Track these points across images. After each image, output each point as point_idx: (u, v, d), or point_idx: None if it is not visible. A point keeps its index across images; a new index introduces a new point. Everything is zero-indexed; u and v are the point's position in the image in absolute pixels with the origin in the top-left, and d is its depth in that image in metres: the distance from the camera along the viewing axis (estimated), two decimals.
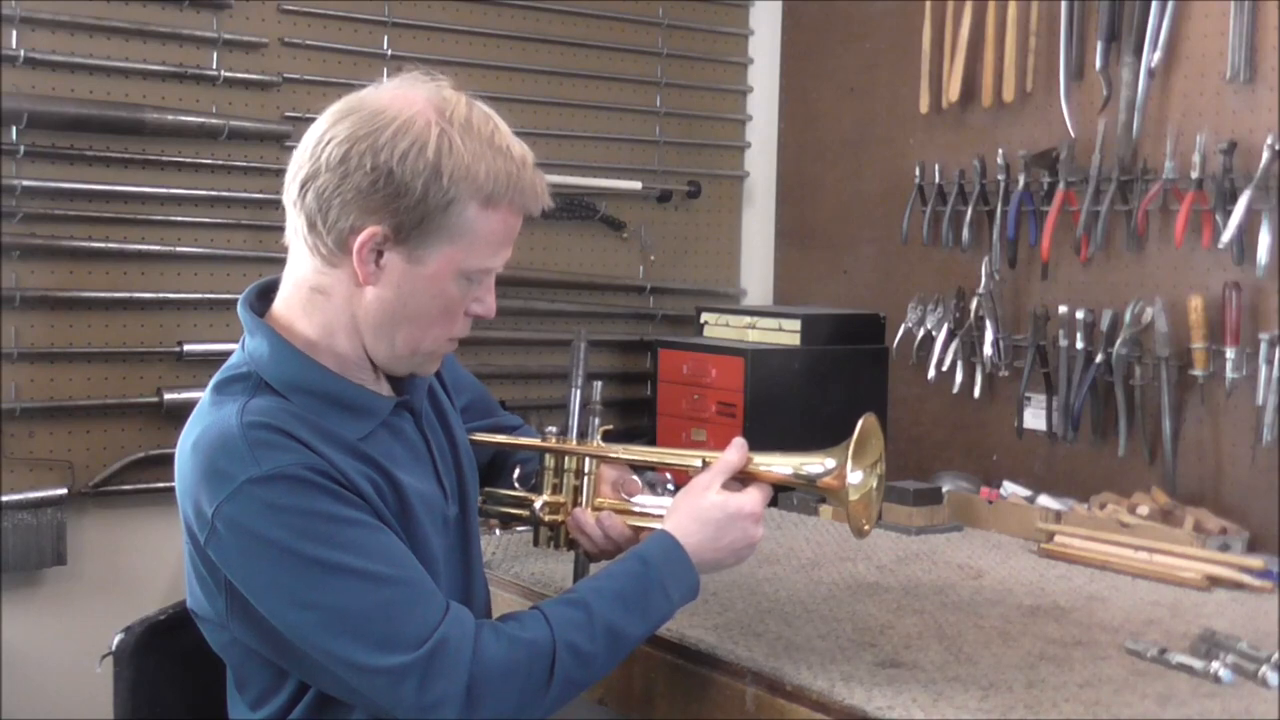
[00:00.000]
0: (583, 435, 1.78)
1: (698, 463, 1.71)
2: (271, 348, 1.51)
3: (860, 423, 1.66)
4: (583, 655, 1.48)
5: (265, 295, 1.58)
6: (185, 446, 1.48)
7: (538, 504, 1.76)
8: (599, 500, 1.76)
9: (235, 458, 1.41)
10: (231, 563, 1.43)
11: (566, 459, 1.77)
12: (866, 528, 1.67)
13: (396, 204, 1.44)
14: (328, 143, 1.46)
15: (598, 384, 1.78)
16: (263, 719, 1.55)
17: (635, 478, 1.80)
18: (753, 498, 1.63)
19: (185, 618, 1.61)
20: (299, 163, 1.50)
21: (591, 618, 1.50)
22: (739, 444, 1.67)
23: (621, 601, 1.53)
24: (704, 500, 1.62)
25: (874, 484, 1.68)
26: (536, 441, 1.81)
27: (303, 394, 1.49)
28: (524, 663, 1.44)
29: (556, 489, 1.77)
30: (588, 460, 1.77)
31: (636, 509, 1.75)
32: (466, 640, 1.42)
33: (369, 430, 1.52)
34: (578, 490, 1.76)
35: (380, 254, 1.47)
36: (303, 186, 1.48)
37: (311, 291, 1.52)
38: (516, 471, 1.83)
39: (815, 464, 1.68)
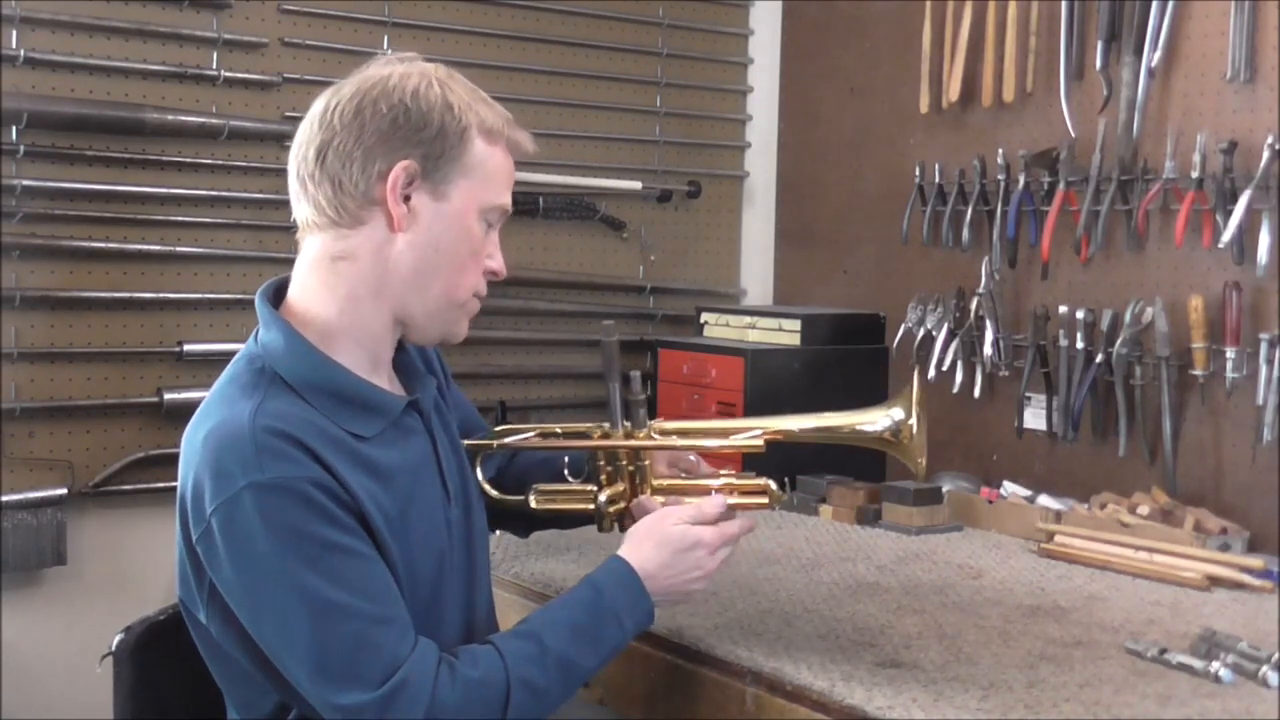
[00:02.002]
0: (632, 427, 1.76)
1: (757, 433, 1.76)
2: (286, 341, 1.52)
3: (914, 378, 1.81)
4: (537, 690, 1.48)
5: (280, 292, 1.60)
6: (197, 436, 1.47)
7: (603, 498, 1.75)
8: (657, 481, 1.77)
9: (241, 460, 1.41)
10: (217, 564, 1.44)
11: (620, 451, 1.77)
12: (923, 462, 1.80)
13: (420, 135, 1.51)
14: (335, 108, 1.52)
15: (636, 374, 1.76)
16: None
17: (690, 455, 1.81)
18: (714, 530, 1.65)
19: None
20: (308, 140, 1.53)
21: (545, 652, 1.49)
22: (719, 501, 1.68)
23: (574, 633, 1.52)
24: (665, 527, 1.63)
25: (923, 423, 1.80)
26: (589, 443, 1.79)
27: (315, 390, 1.50)
28: (478, 704, 1.44)
29: (611, 477, 1.77)
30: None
31: (698, 484, 1.77)
32: (426, 683, 1.41)
33: (379, 429, 1.53)
34: (633, 476, 1.77)
35: (408, 198, 1.52)
36: (320, 154, 1.52)
37: (333, 262, 1.54)
38: (566, 461, 1.84)
39: (881, 418, 1.80)
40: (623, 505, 1.77)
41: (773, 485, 1.77)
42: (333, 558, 1.41)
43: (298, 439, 1.43)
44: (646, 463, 1.76)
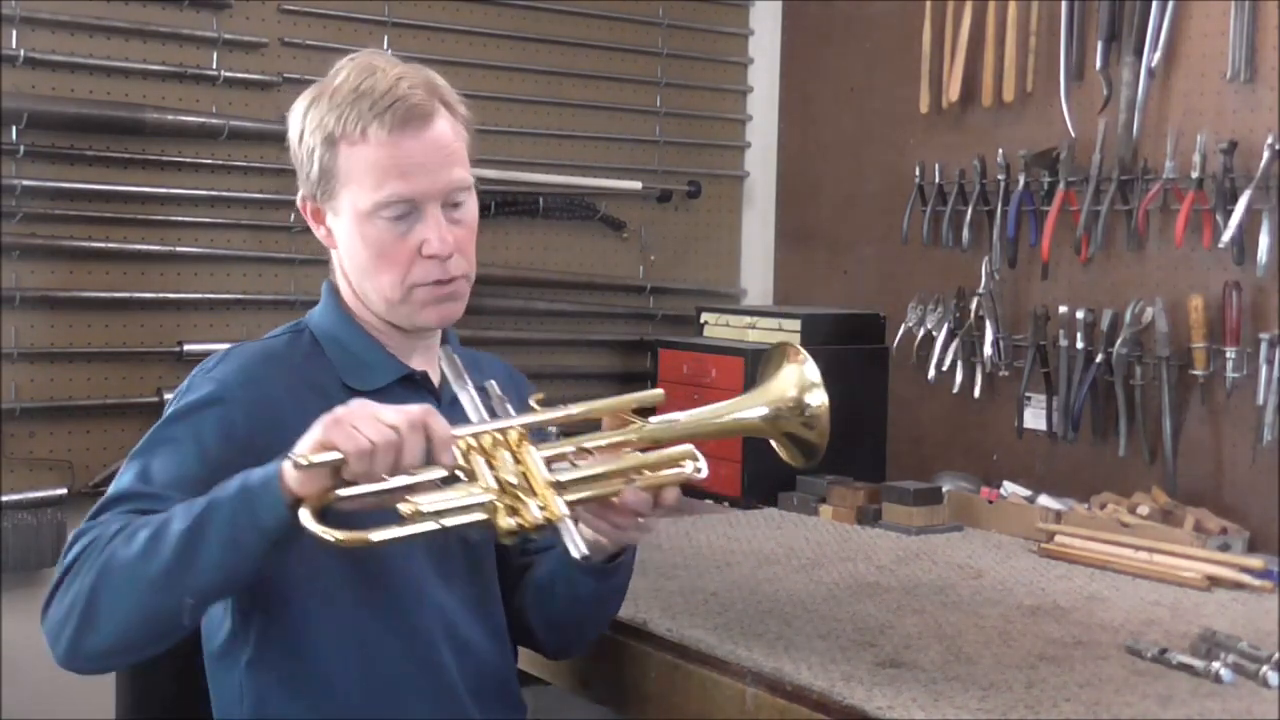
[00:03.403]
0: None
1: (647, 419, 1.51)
2: (324, 304, 1.68)
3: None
4: (133, 532, 1.39)
5: None
6: None
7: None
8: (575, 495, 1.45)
9: (204, 365, 1.60)
10: None
11: (498, 458, 1.42)
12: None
13: (299, 168, 1.63)
14: None
15: (491, 383, 1.58)
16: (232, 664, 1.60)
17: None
18: None
19: None
20: None
21: (171, 514, 1.39)
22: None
23: (203, 501, 1.39)
24: None
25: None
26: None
27: (330, 339, 1.65)
28: (108, 538, 1.41)
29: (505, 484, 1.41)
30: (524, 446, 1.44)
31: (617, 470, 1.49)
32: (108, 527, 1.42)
33: (376, 388, 1.59)
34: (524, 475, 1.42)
35: (323, 217, 1.63)
36: None
37: (331, 270, 1.70)
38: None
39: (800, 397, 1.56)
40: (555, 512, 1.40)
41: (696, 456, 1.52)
42: (184, 446, 1.50)
43: (252, 370, 1.57)
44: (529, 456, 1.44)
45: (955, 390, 2.90)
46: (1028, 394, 2.80)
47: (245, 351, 1.62)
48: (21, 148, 2.60)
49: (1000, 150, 2.84)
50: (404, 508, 1.34)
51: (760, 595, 2.03)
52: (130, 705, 1.78)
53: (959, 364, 2.90)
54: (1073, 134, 2.72)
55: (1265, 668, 1.65)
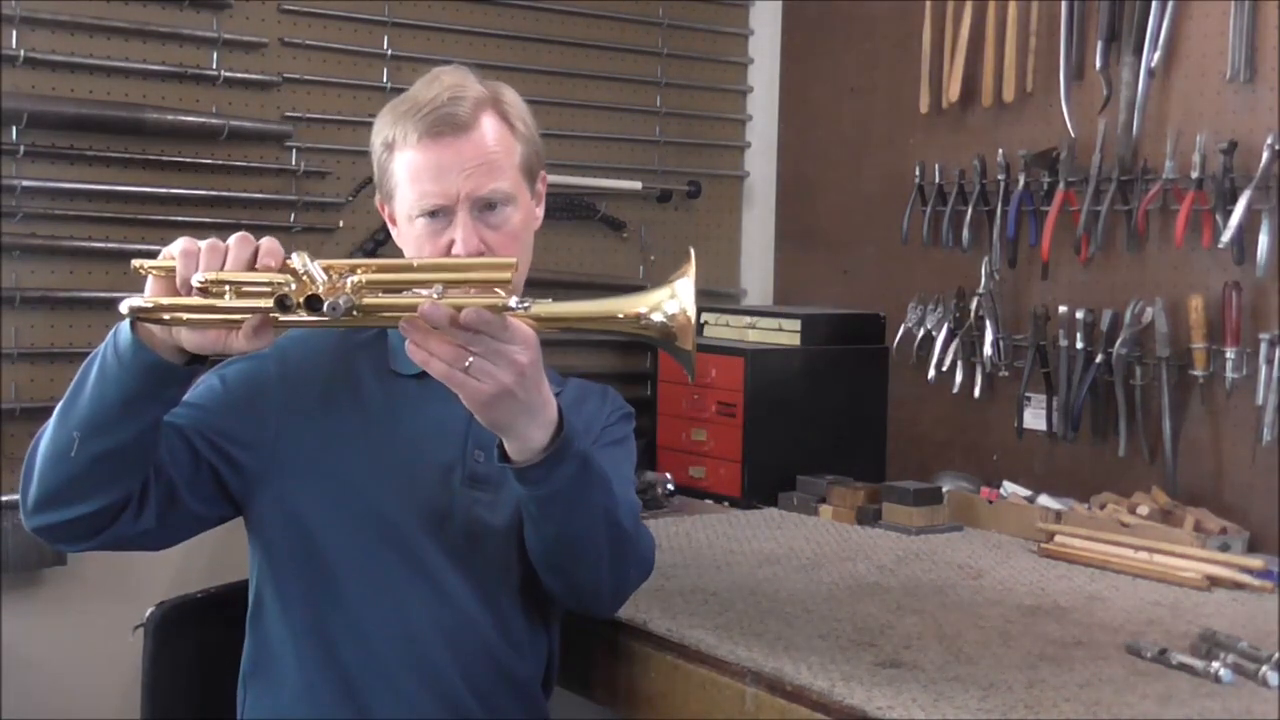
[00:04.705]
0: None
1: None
2: None
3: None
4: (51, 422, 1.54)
5: None
6: None
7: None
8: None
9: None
10: None
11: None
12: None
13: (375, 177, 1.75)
14: None
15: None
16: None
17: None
18: None
19: (219, 599, 1.84)
20: None
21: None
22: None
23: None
24: None
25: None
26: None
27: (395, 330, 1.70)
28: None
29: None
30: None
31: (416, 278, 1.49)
32: None
33: (413, 373, 1.65)
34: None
35: (395, 220, 1.73)
36: None
37: None
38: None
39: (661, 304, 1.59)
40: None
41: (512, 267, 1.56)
42: (206, 381, 1.70)
43: (312, 340, 1.72)
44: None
45: (955, 390, 2.90)
46: (1028, 394, 2.80)
47: (316, 334, 1.72)
48: (21, 148, 2.59)
49: (1000, 150, 2.84)
50: (198, 275, 1.42)
51: (760, 595, 2.03)
52: (153, 672, 1.86)
53: (959, 364, 2.90)
54: (1073, 134, 2.72)
55: (1265, 668, 1.65)
